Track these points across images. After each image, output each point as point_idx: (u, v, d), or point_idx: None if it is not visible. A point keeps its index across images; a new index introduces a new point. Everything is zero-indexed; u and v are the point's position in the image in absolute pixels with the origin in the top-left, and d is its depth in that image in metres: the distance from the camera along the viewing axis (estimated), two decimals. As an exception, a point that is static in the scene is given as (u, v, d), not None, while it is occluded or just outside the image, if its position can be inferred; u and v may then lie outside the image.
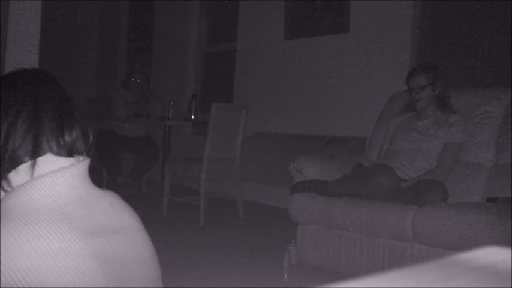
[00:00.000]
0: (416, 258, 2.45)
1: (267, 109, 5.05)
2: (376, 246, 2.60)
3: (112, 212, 0.94)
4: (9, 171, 0.89)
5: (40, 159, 0.89)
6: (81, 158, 0.95)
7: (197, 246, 3.29)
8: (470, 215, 2.27)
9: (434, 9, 4.05)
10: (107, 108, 5.19)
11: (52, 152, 0.91)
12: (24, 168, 0.88)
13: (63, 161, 0.91)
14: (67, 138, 0.94)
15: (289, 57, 4.92)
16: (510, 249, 0.42)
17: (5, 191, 0.88)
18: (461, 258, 0.41)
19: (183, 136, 5.77)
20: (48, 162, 0.89)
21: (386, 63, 4.14)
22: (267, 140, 4.75)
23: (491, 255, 0.41)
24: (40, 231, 0.79)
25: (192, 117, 4.94)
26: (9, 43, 3.02)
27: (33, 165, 0.88)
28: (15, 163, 0.89)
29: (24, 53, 3.07)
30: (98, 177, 4.89)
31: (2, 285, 0.73)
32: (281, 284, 2.70)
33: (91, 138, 1.00)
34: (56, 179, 0.87)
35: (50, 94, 0.95)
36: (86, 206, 0.89)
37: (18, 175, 0.88)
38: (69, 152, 0.94)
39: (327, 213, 2.76)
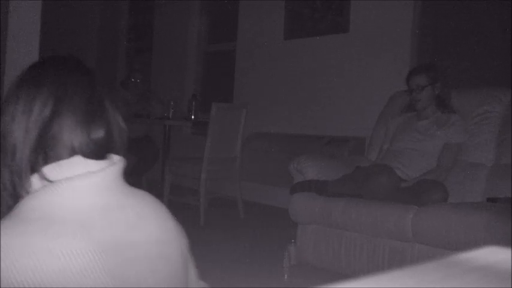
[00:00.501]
0: (416, 258, 2.45)
1: (267, 109, 5.05)
2: (376, 246, 2.60)
3: (136, 225, 0.85)
4: (30, 174, 0.83)
5: (66, 161, 0.82)
6: (115, 159, 0.87)
7: (197, 246, 3.28)
8: (470, 215, 2.27)
9: (434, 9, 4.05)
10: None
11: (78, 153, 0.83)
12: (47, 170, 0.82)
13: (92, 164, 0.83)
14: (94, 136, 0.85)
15: (289, 57, 4.92)
16: (510, 249, 0.42)
17: (23, 196, 0.82)
18: (461, 258, 0.41)
19: (183, 136, 5.77)
20: (75, 164, 0.82)
21: (386, 63, 4.14)
22: (267, 140, 4.75)
23: (491, 255, 0.41)
24: (52, 238, 0.75)
25: (192, 117, 4.94)
26: (9, 43, 3.02)
27: (55, 169, 0.82)
28: (37, 165, 0.83)
29: (24, 53, 3.07)
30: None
31: (4, 285, 0.72)
32: (281, 284, 2.70)
33: (126, 135, 0.91)
34: (80, 184, 0.80)
35: (75, 86, 0.87)
36: (108, 216, 0.82)
37: (41, 178, 0.82)
38: (102, 152, 0.85)
39: (327, 213, 2.76)
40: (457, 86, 3.43)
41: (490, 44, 3.73)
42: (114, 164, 0.85)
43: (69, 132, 0.83)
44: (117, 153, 0.89)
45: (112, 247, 0.80)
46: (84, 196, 0.81)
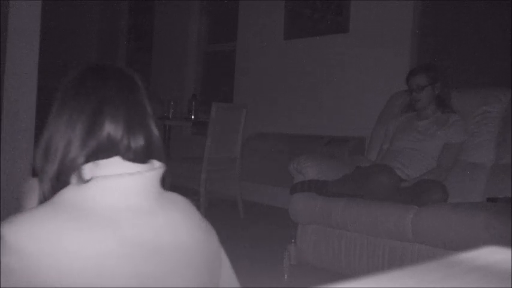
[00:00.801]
0: (416, 258, 2.45)
1: (267, 109, 5.05)
2: (376, 246, 2.60)
3: (164, 231, 0.86)
4: (70, 173, 0.84)
5: (105, 161, 0.84)
6: (156, 165, 0.89)
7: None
8: (470, 215, 2.27)
9: (434, 9, 4.05)
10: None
11: (119, 154, 0.85)
12: (86, 168, 0.84)
13: (130, 166, 0.85)
14: (135, 145, 0.87)
15: (289, 57, 4.92)
16: (510, 249, 0.42)
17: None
18: (461, 258, 0.41)
19: (183, 136, 5.77)
20: (114, 164, 0.85)
21: (386, 63, 4.14)
22: (267, 140, 4.75)
23: (491, 255, 0.41)
24: (78, 231, 0.77)
25: (192, 117, 4.94)
26: (9, 43, 3.01)
27: (93, 168, 0.84)
28: (75, 165, 0.84)
29: (24, 53, 3.07)
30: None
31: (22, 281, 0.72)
32: (281, 284, 2.70)
33: (160, 141, 0.93)
34: (115, 184, 0.82)
35: (118, 97, 0.89)
36: (139, 218, 0.83)
37: (79, 179, 0.84)
38: (142, 158, 0.87)
39: (327, 213, 2.76)
40: (457, 86, 3.43)
41: (490, 44, 3.73)
42: (154, 170, 0.87)
43: (111, 143, 0.85)
44: (158, 159, 0.90)
45: (139, 250, 0.80)
46: (118, 196, 0.82)
